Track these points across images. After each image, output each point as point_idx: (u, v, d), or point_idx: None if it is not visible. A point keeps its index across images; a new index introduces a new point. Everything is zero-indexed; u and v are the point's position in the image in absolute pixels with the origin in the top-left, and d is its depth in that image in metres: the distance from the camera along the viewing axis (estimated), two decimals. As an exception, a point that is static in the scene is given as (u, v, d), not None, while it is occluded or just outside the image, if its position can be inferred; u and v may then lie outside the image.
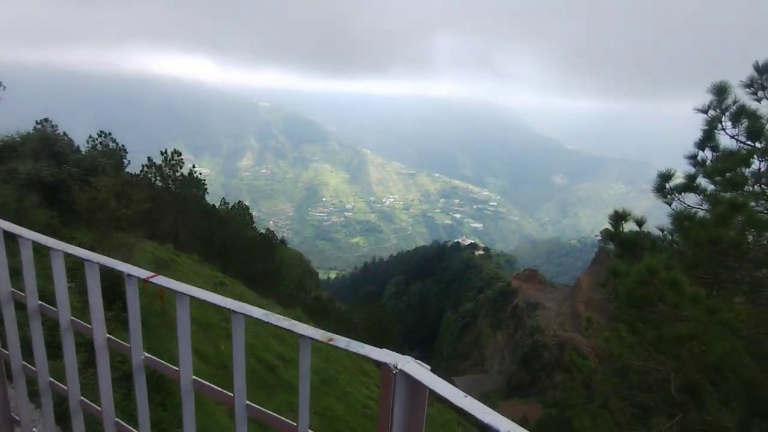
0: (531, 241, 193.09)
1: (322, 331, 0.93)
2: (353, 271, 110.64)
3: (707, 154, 7.11)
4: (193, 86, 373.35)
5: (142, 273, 1.24)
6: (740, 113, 6.52)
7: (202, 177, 28.66)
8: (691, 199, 7.11)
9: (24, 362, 1.65)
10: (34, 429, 2.05)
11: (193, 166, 28.63)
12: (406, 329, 60.22)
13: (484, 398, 32.35)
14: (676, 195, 7.22)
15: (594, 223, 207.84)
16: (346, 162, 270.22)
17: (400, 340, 41.39)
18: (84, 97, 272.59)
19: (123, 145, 25.91)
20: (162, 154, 24.72)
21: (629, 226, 7.24)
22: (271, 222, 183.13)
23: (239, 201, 38.53)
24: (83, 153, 17.67)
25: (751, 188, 6.59)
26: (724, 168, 6.44)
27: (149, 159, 24.53)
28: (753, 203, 6.25)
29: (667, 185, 7.28)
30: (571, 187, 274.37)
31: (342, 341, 0.91)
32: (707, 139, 6.99)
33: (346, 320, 31.23)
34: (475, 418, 0.74)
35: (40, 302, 1.50)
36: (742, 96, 6.61)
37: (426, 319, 72.38)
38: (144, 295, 7.82)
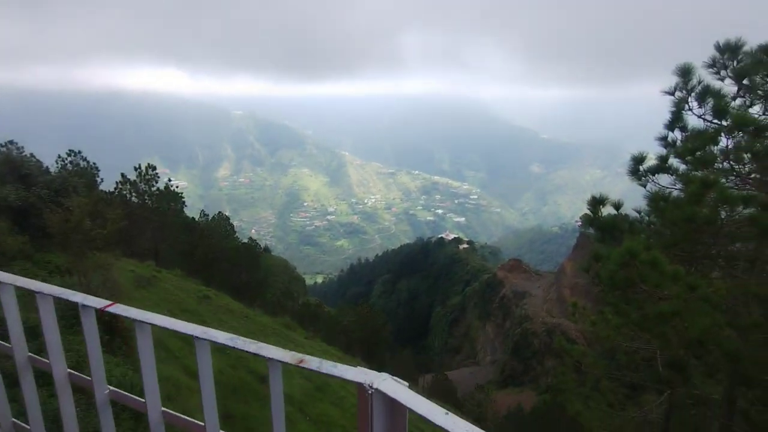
0: (513, 231, 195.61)
1: (291, 353, 0.87)
2: (340, 274, 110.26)
3: (677, 134, 7.25)
4: (164, 98, 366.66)
5: (98, 302, 1.16)
6: (705, 93, 6.67)
7: (179, 190, 28.11)
8: (664, 179, 7.24)
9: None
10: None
11: (169, 180, 28.10)
12: (397, 327, 60.28)
13: (479, 390, 32.58)
14: (650, 177, 7.36)
15: (573, 209, 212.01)
16: (325, 165, 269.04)
17: (391, 338, 41.40)
18: (50, 116, 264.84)
19: (94, 163, 25.24)
20: (136, 169, 24.15)
21: (607, 210, 7.35)
22: (253, 231, 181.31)
23: (219, 212, 37.92)
24: (53, 174, 17.13)
25: (720, 165, 6.75)
26: (694, 147, 6.57)
27: (123, 175, 23.94)
28: (723, 180, 6.40)
29: (641, 167, 7.41)
30: (548, 175, 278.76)
31: (314, 362, 0.85)
32: (676, 120, 7.14)
33: (336, 324, 31.04)
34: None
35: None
36: (706, 76, 6.77)
37: (416, 315, 72.63)
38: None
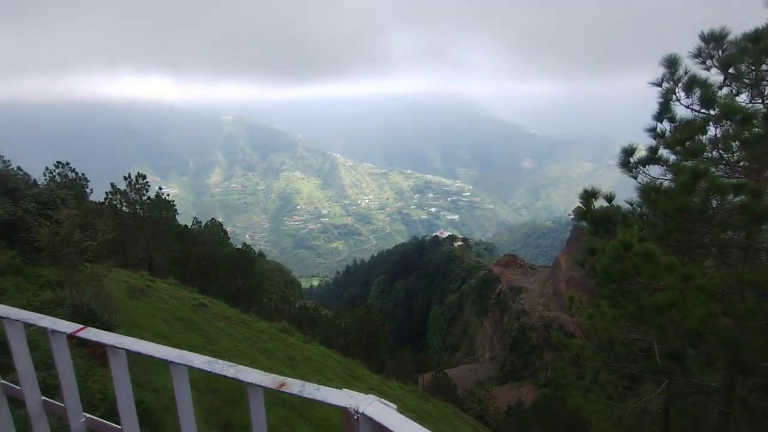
0: (507, 227, 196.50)
1: (272, 376, 0.81)
2: (336, 276, 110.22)
3: (666, 125, 7.26)
4: (151, 106, 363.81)
5: (69, 327, 1.09)
6: (692, 83, 6.68)
7: (170, 198, 27.90)
8: (655, 170, 7.25)
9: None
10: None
11: (160, 188, 27.85)
12: (396, 327, 60.26)
13: (479, 387, 32.62)
14: (641, 168, 7.37)
15: (566, 203, 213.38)
16: (317, 167, 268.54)
17: (390, 339, 41.32)
18: (36, 128, 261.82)
19: (83, 174, 24.99)
20: (126, 179, 23.89)
21: (599, 203, 7.34)
22: (247, 236, 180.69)
23: (212, 218, 37.78)
24: (41, 186, 16.89)
25: (710, 154, 6.77)
26: (683, 137, 6.58)
27: (113, 185, 23.67)
28: (713, 169, 6.42)
29: (631, 159, 7.42)
30: (539, 169, 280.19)
31: (296, 386, 0.79)
32: (664, 111, 7.15)
33: (334, 326, 30.89)
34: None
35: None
36: (692, 66, 6.78)
37: (414, 315, 72.69)
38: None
